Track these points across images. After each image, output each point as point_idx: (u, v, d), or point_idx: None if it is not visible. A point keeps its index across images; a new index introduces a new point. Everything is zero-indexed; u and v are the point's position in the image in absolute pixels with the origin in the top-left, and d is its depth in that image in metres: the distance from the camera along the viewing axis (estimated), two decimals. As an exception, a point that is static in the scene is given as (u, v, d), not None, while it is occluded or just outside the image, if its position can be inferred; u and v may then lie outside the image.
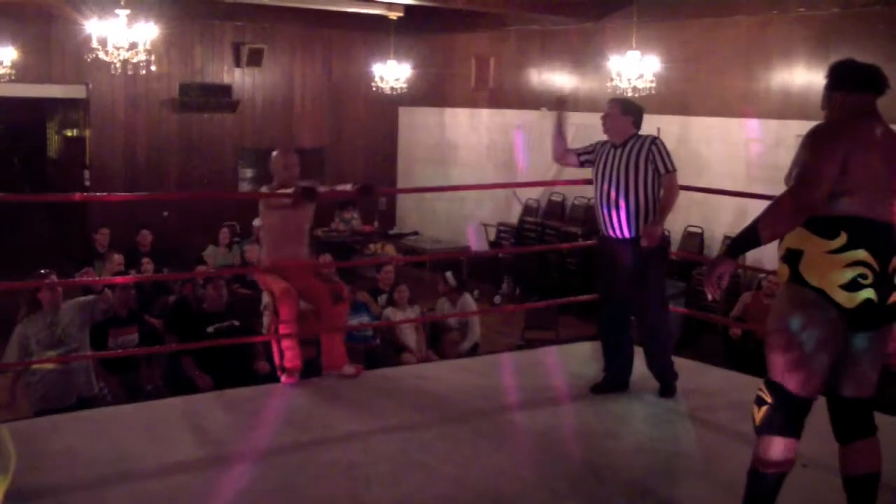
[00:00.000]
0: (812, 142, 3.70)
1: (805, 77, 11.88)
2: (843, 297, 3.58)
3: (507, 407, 5.81)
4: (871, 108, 3.80)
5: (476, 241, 16.19)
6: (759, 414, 3.72)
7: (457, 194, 16.47)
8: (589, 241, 6.71)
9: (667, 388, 6.02)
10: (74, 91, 15.59)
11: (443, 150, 18.01)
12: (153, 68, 12.02)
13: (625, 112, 6.03)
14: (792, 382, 3.64)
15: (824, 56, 11.68)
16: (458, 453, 5.02)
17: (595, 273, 6.30)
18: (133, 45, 11.37)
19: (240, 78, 17.09)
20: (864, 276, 3.56)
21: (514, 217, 16.03)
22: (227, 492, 4.42)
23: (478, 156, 17.12)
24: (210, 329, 8.57)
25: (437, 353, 10.23)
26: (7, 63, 13.71)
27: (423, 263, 15.66)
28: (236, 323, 8.84)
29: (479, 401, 5.90)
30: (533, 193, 15.74)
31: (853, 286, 3.57)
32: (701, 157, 12.58)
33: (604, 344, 6.22)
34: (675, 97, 12.94)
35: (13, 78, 13.91)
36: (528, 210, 15.82)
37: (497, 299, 15.02)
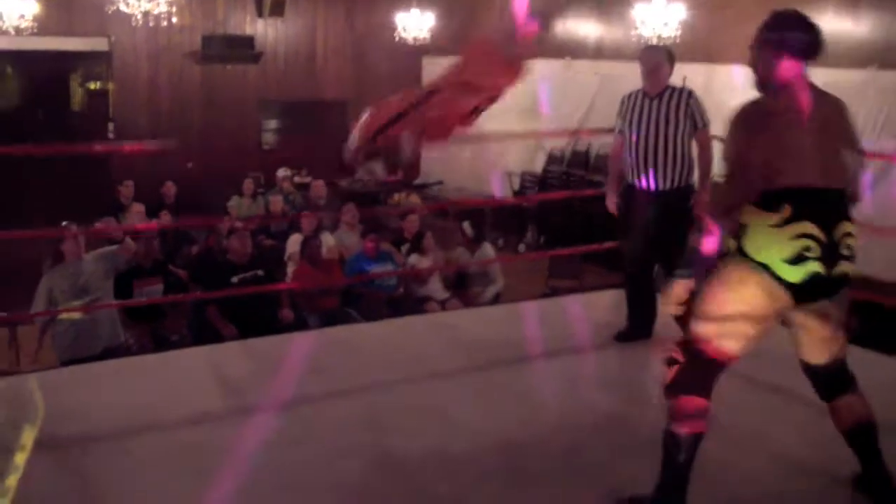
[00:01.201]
0: (735, 130, 3.67)
1: (833, 23, 11.70)
2: (787, 272, 3.47)
3: (530, 356, 5.80)
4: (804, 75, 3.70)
5: (500, 190, 16.13)
6: (670, 374, 3.67)
7: (481, 144, 16.40)
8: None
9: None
10: (97, 44, 15.53)
11: (466, 100, 17.88)
12: (174, 20, 12.00)
13: (669, 61, 5.95)
14: (708, 345, 3.59)
15: (853, 1, 11.53)
16: (480, 403, 5.02)
17: (619, 222, 6.23)
18: (154, -4, 11.36)
19: (262, 29, 17.01)
20: (809, 249, 3.44)
21: (538, 166, 15.95)
22: (250, 441, 4.44)
23: (502, 104, 16.91)
24: (234, 279, 8.60)
25: (462, 301, 10.25)
26: (29, 16, 13.66)
27: (447, 212, 15.64)
28: (260, 273, 8.86)
29: (502, 350, 5.89)
30: (557, 142, 15.65)
31: (798, 259, 3.46)
32: (727, 105, 12.42)
33: (628, 293, 6.20)
34: (700, 45, 12.77)
35: (35, 31, 13.85)
36: (552, 159, 15.73)
37: (521, 248, 15.00)
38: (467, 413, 4.86)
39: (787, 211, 3.47)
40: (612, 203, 6.18)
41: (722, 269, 3.63)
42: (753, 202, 3.54)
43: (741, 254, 3.57)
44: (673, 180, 5.80)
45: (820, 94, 3.66)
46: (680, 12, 12.24)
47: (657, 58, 5.98)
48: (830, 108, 3.66)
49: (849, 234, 3.52)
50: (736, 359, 3.62)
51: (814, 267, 3.46)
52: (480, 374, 5.49)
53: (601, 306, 6.90)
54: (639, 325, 6.09)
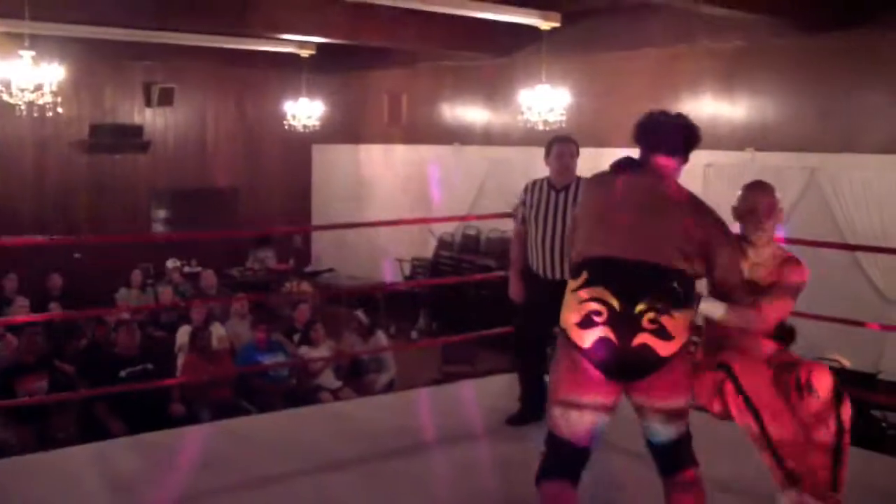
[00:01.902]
0: None
1: (712, 107, 12.14)
2: (577, 335, 3.51)
3: (424, 443, 5.79)
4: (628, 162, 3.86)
5: (392, 277, 16.18)
6: (539, 462, 3.72)
7: (372, 230, 16.49)
8: (503, 273, 6.70)
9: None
10: (-22, 134, 15.30)
11: (357, 187, 18.03)
12: (60, 110, 11.85)
13: (578, 154, 5.99)
14: (559, 427, 3.62)
15: (730, 87, 11.97)
16: (376, 493, 4.99)
17: (518, 308, 6.23)
18: (39, 87, 11.22)
19: (151, 118, 16.97)
20: (598, 314, 3.47)
21: (429, 252, 16.06)
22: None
23: (392, 191, 17.15)
24: (123, 373, 8.45)
25: (355, 390, 10.21)
26: None
27: (339, 300, 15.62)
28: (150, 366, 8.72)
29: (396, 438, 5.87)
30: (447, 228, 15.79)
31: (586, 323, 3.50)
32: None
33: (522, 376, 6.23)
34: (586, 129, 13.06)
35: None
36: (442, 244, 15.86)
37: (414, 335, 15.01)
38: (364, 503, 4.83)
39: (583, 276, 3.54)
40: (516, 290, 6.14)
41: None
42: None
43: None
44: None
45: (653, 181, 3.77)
46: (565, 98, 12.53)
47: (568, 148, 5.99)
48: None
49: (654, 310, 3.51)
50: (584, 441, 3.62)
51: (600, 332, 3.47)
52: (375, 463, 5.46)
53: (494, 391, 6.92)
54: (531, 408, 6.11)
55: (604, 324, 3.45)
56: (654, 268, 3.54)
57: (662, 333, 3.49)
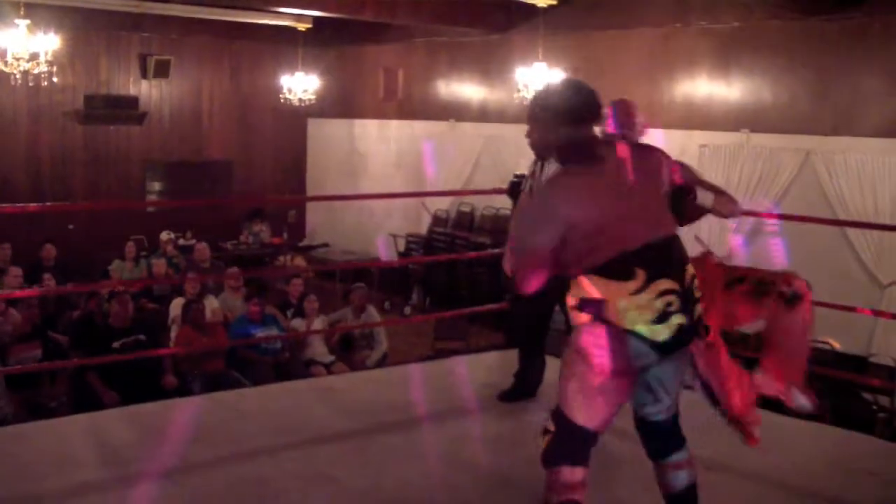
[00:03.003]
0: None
1: (707, 88, 12.14)
2: (655, 332, 3.45)
3: (415, 418, 5.81)
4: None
5: (386, 253, 16.19)
6: (544, 443, 3.67)
7: (366, 206, 16.51)
8: (497, 250, 6.69)
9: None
10: (-26, 102, 15.27)
11: (352, 162, 18.01)
12: (55, 80, 11.82)
13: None
14: (579, 414, 3.57)
15: (725, 67, 11.96)
16: (367, 466, 5.02)
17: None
18: (34, 56, 11.19)
19: (146, 90, 16.92)
20: (671, 304, 3.44)
21: (423, 228, 16.07)
22: (133, 510, 4.37)
23: (387, 167, 17.14)
24: (116, 344, 8.47)
25: (348, 365, 10.24)
26: None
27: (333, 275, 15.63)
28: (142, 338, 8.75)
29: (387, 413, 5.89)
30: (442, 204, 15.80)
31: (663, 318, 3.45)
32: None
33: (522, 353, 6.23)
34: (582, 108, 13.09)
35: None
36: (437, 221, 15.87)
37: (407, 310, 15.04)
38: (354, 477, 4.85)
39: (641, 276, 3.45)
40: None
41: (578, 339, 3.60)
42: (599, 274, 3.50)
43: (598, 321, 3.53)
44: None
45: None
46: (561, 76, 12.52)
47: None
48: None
49: (693, 277, 3.57)
50: (608, 423, 3.62)
51: (679, 319, 3.46)
52: (366, 437, 5.49)
53: (486, 367, 6.94)
54: (524, 385, 6.13)
55: (678, 311, 3.46)
56: (673, 239, 3.57)
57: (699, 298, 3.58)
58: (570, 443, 3.62)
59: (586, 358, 3.54)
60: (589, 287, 3.51)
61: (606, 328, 3.49)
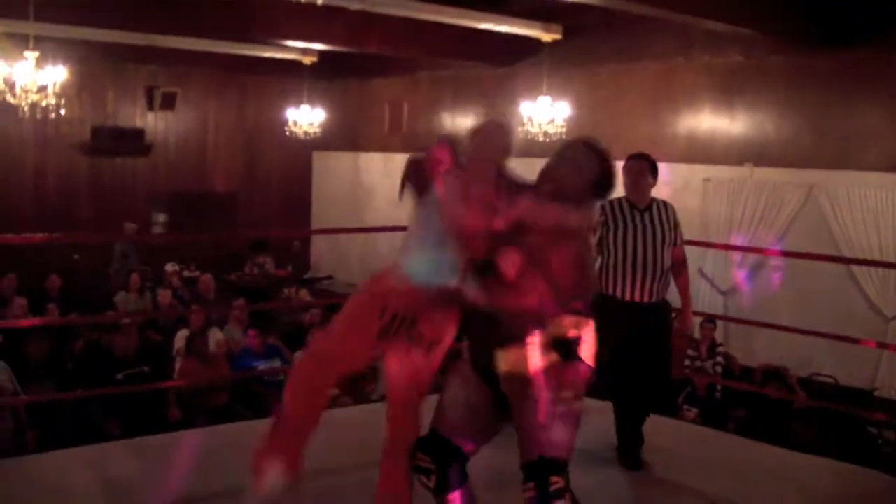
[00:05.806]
0: None
1: (710, 122, 12.18)
2: None
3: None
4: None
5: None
6: None
7: (371, 238, 16.51)
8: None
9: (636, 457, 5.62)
10: (-20, 134, 15.34)
11: (357, 194, 18.05)
12: (63, 112, 11.87)
13: (653, 174, 5.76)
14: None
15: (728, 102, 12.01)
16: (370, 501, 5.00)
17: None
18: (42, 89, 11.25)
19: (153, 122, 16.99)
20: None
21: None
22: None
23: (392, 200, 17.01)
24: (120, 376, 8.47)
25: (352, 398, 10.22)
26: None
27: (337, 308, 15.62)
28: (146, 369, 8.75)
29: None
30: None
31: None
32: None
33: (617, 412, 5.82)
34: (587, 141, 13.13)
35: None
36: (441, 253, 15.84)
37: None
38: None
39: None
40: None
41: None
42: None
43: None
44: (659, 293, 5.64)
45: None
46: (565, 110, 12.59)
47: (639, 166, 5.74)
48: None
49: None
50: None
51: None
52: (370, 471, 5.46)
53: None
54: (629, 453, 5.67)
55: None
56: None
57: None
58: None
59: None
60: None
61: None
